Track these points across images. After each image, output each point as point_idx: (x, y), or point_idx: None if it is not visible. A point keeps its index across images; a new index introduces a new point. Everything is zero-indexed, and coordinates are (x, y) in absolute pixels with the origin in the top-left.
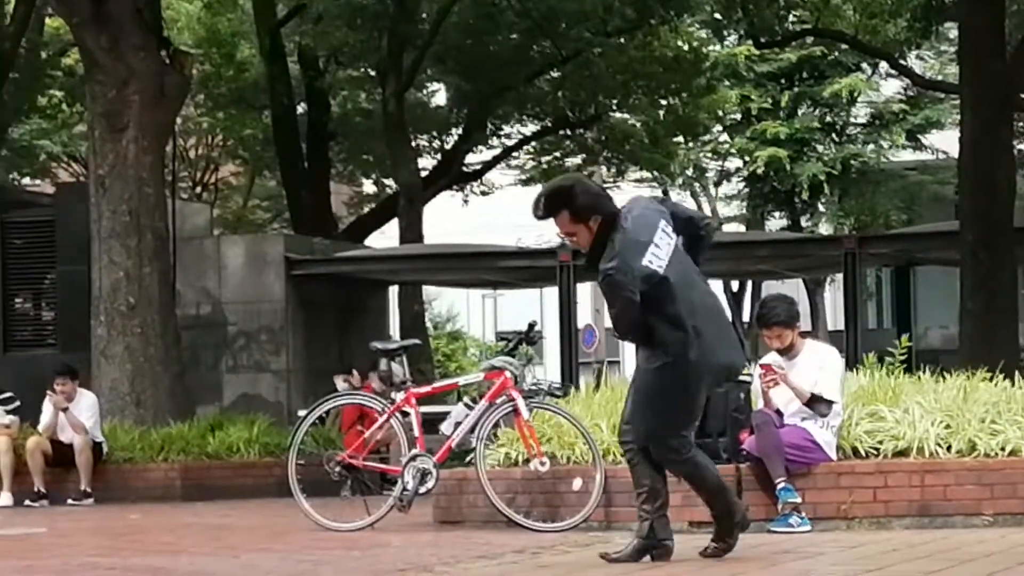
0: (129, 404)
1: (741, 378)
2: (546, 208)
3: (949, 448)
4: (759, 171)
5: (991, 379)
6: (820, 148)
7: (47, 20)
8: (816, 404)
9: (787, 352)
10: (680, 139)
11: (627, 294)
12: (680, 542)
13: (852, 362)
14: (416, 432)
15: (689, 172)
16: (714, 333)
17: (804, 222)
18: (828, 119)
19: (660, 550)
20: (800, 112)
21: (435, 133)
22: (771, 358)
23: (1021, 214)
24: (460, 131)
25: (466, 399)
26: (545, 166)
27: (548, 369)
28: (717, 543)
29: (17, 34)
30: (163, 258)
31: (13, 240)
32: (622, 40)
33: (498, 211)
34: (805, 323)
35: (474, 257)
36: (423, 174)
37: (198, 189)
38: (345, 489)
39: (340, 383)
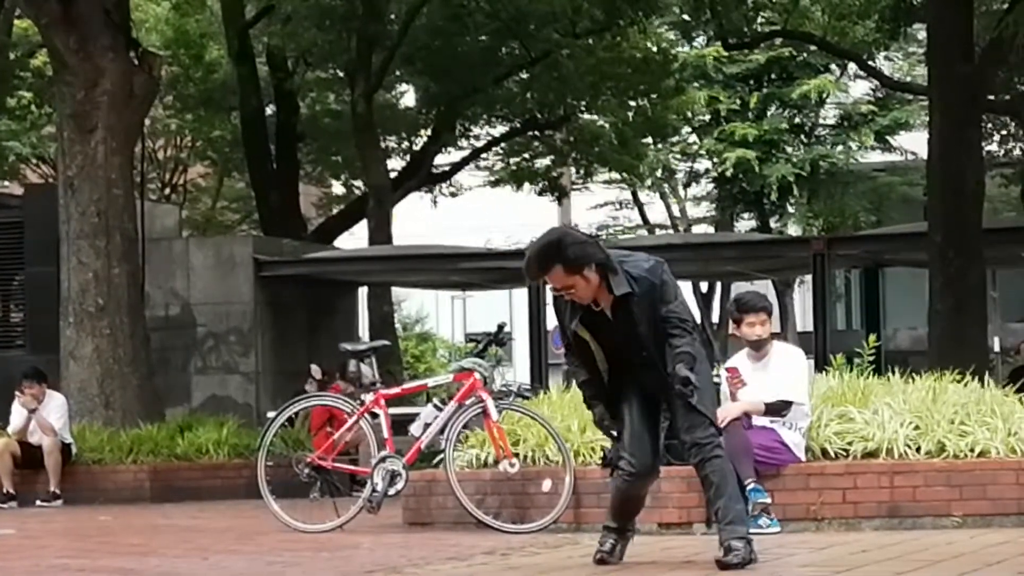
0: (98, 405)
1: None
2: (538, 266)
3: (918, 449)
4: (727, 172)
5: (960, 380)
6: (789, 149)
7: (15, 21)
8: (774, 412)
9: (760, 349)
10: (649, 140)
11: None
12: (650, 543)
13: (821, 363)
14: (385, 433)
15: (658, 173)
16: None
17: (773, 223)
18: (797, 120)
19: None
20: (769, 113)
21: (404, 134)
22: (739, 360)
23: (990, 215)
24: (429, 132)
25: (435, 400)
26: (514, 167)
27: (517, 370)
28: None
29: None
30: (132, 259)
31: None
32: (591, 41)
33: (467, 212)
34: (774, 324)
35: (443, 258)
36: (392, 175)
37: (167, 190)
38: (314, 490)
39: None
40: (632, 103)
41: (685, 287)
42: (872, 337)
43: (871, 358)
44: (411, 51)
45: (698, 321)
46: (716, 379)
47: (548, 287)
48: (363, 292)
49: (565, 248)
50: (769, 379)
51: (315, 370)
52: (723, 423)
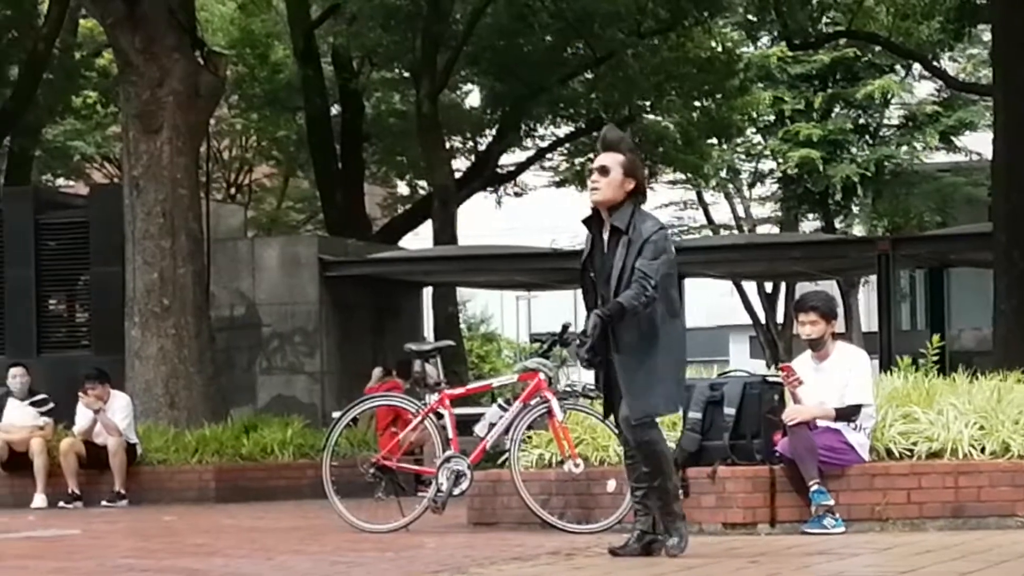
0: (163, 406)
1: (773, 379)
2: (616, 137)
3: (983, 450)
4: (791, 172)
5: None
6: (853, 150)
7: (81, 21)
8: (844, 417)
9: (818, 349)
10: (713, 140)
11: (672, 253)
12: (714, 543)
13: (886, 363)
14: (450, 433)
15: (723, 174)
16: None
17: (838, 224)
18: (861, 121)
19: (659, 544)
20: (833, 114)
21: (469, 134)
22: (802, 360)
23: None
24: (494, 132)
25: (500, 400)
26: (579, 167)
27: (582, 371)
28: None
29: (51, 35)
30: (197, 259)
31: (47, 241)
32: (655, 41)
33: (532, 212)
34: (839, 324)
35: (508, 258)
36: (457, 175)
37: (232, 190)
38: (379, 490)
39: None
40: (697, 103)
41: (750, 287)
42: (936, 337)
43: (935, 358)
44: (476, 51)
45: (762, 321)
46: (775, 377)
47: (593, 164)
48: (428, 292)
49: (635, 151)
50: (830, 379)
51: (376, 373)
52: (791, 424)
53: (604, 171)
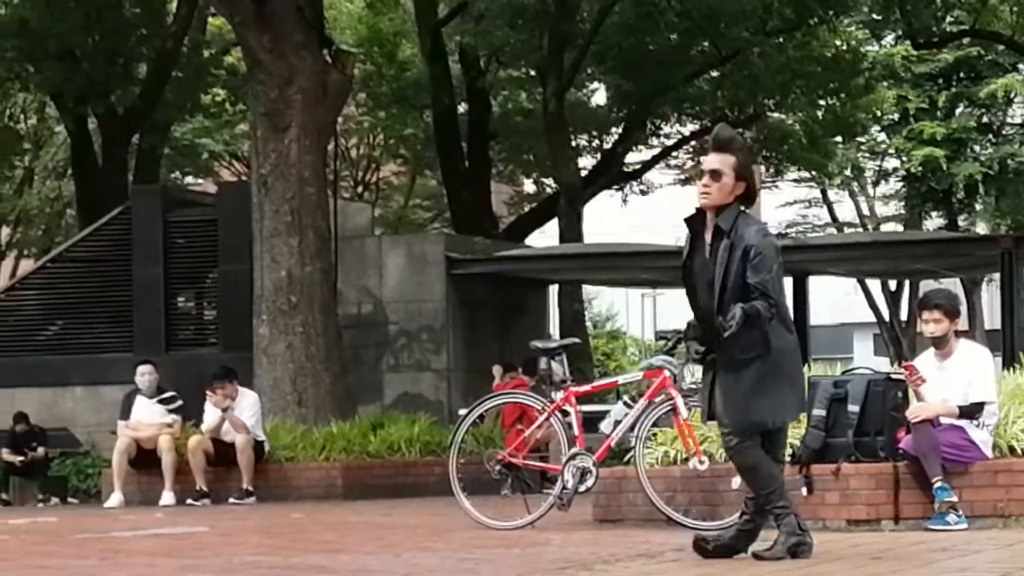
0: (291, 403)
1: (897, 377)
2: (729, 138)
3: None
4: (915, 170)
5: None
6: (977, 148)
7: (209, 19)
8: (968, 415)
9: (941, 347)
10: (838, 139)
11: (779, 261)
12: (838, 540)
13: (1009, 361)
14: (576, 431)
15: (847, 172)
16: None
17: (961, 221)
18: (985, 119)
19: (804, 546)
20: (957, 112)
21: (595, 132)
22: (925, 358)
23: None
24: (620, 131)
25: (625, 398)
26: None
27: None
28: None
29: (180, 33)
30: (325, 257)
31: (176, 239)
32: (781, 40)
33: (657, 210)
34: (962, 322)
35: (633, 256)
36: (583, 173)
37: (359, 188)
38: (505, 487)
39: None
40: (822, 101)
41: (874, 285)
42: None
43: None
44: (602, 49)
45: (886, 319)
46: (899, 375)
47: (703, 167)
48: (554, 290)
49: (752, 156)
50: (953, 377)
51: (497, 370)
52: (914, 421)
53: (716, 175)
